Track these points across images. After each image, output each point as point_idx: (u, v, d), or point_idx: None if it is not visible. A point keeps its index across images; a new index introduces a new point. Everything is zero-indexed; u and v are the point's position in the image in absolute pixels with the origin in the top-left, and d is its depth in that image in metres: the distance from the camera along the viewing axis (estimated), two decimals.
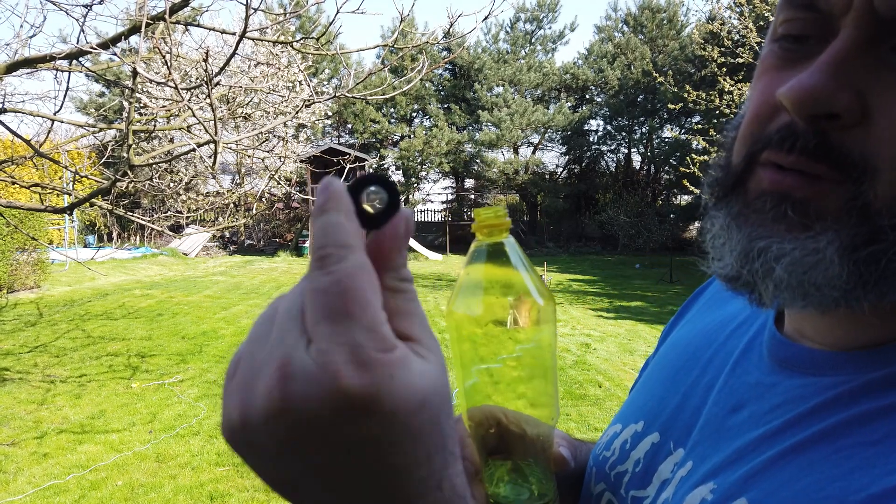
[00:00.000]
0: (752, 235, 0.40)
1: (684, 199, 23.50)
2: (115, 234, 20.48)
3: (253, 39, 3.82)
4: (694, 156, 10.65)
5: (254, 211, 20.22)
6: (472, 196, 27.35)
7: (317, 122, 19.08)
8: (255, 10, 2.88)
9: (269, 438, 0.29)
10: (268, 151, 7.30)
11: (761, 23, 11.72)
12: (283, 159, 7.74)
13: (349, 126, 25.51)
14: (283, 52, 6.02)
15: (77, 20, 3.37)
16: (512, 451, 0.49)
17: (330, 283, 0.28)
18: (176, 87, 2.57)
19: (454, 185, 27.50)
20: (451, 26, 3.70)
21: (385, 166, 26.19)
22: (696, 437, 0.51)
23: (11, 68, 3.48)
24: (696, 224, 20.49)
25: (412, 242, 19.82)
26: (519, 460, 0.49)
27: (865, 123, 0.36)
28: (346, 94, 3.73)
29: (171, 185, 8.15)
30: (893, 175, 0.36)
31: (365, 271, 0.29)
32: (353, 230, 0.30)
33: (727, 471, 0.44)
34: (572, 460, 0.54)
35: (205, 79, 2.65)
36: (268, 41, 4.03)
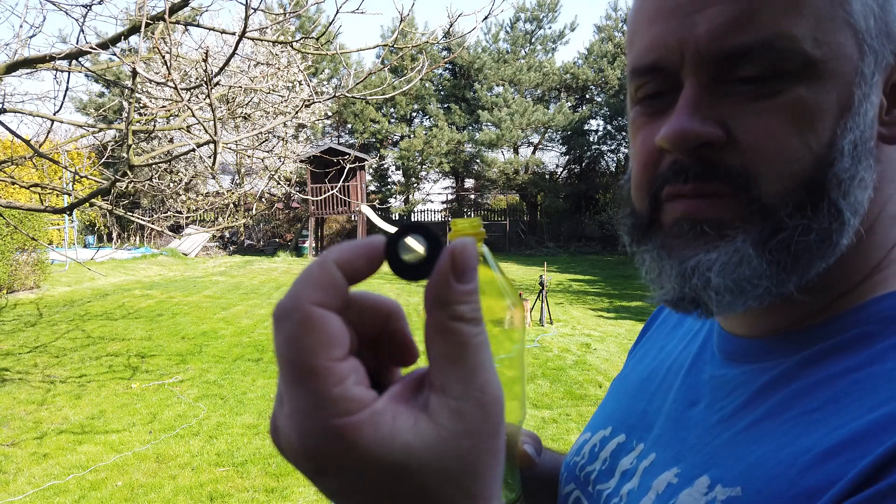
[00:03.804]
0: (682, 258, 0.46)
1: None
2: (114, 235, 20.48)
3: (253, 39, 3.81)
4: None
5: (253, 211, 20.21)
6: (472, 196, 27.34)
7: (317, 122, 19.08)
8: (255, 10, 2.87)
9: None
10: (268, 151, 7.30)
11: None
12: (282, 159, 7.73)
13: (349, 126, 25.50)
14: (282, 52, 6.02)
15: (77, 20, 3.37)
16: None
17: (277, 345, 0.27)
18: (175, 88, 2.57)
19: (454, 185, 27.49)
20: (451, 26, 3.69)
21: (385, 166, 26.19)
22: (657, 432, 0.56)
23: (11, 68, 3.48)
24: None
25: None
26: None
27: (734, 143, 0.43)
28: (346, 94, 3.73)
29: (171, 185, 8.15)
30: (771, 176, 0.43)
31: (310, 329, 0.27)
32: (313, 290, 0.27)
33: (689, 456, 0.49)
34: (536, 457, 0.58)
35: (204, 79, 2.65)
36: (268, 41, 4.03)
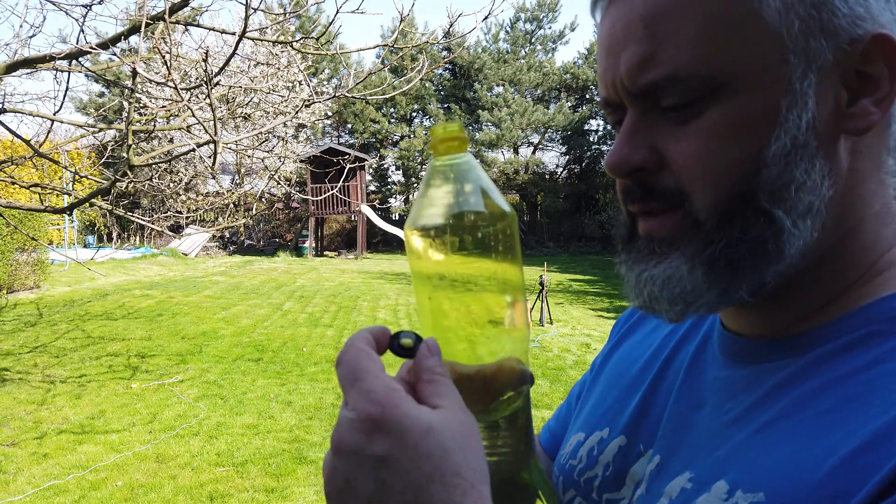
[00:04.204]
0: (637, 270, 0.50)
1: None
2: (114, 235, 20.48)
3: (253, 39, 3.81)
4: None
5: (253, 211, 20.22)
6: None
7: (317, 122, 19.08)
8: (255, 10, 2.87)
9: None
10: (267, 151, 7.30)
11: None
12: (282, 159, 7.74)
13: (349, 126, 25.51)
14: (282, 52, 6.02)
15: (77, 20, 3.37)
16: (486, 394, 0.48)
17: (340, 365, 0.43)
18: (176, 88, 2.57)
19: None
20: (451, 26, 3.70)
21: (385, 166, 26.18)
22: (664, 435, 0.55)
23: (11, 68, 3.48)
24: None
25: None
26: (507, 390, 0.48)
27: (667, 165, 0.47)
28: (346, 94, 3.73)
29: (171, 185, 8.15)
30: (701, 193, 0.46)
31: (362, 355, 0.42)
32: (360, 340, 0.44)
33: (700, 459, 0.49)
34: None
35: (204, 79, 2.65)
36: (268, 41, 4.03)
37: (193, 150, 3.57)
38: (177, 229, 19.18)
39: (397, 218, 25.34)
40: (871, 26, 0.43)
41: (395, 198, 26.29)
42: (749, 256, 0.45)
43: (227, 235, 22.14)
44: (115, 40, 3.38)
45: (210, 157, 3.24)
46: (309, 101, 4.30)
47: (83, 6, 3.40)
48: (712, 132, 0.45)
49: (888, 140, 0.47)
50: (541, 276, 8.85)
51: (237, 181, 21.11)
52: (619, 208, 0.55)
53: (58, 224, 16.31)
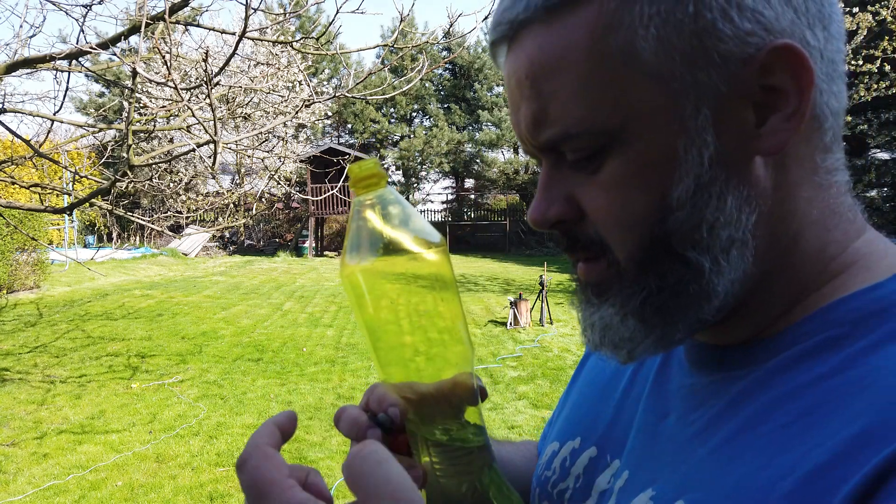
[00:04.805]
0: (582, 314, 0.51)
1: None
2: (114, 235, 20.48)
3: (253, 39, 3.81)
4: None
5: (254, 211, 20.22)
6: (473, 196, 27.35)
7: (317, 122, 19.08)
8: (255, 10, 2.87)
9: None
10: (268, 151, 7.30)
11: None
12: (282, 159, 7.74)
13: (349, 126, 25.51)
14: (282, 52, 6.02)
15: (77, 20, 3.37)
16: (439, 408, 0.49)
17: (242, 472, 0.40)
18: (176, 88, 2.57)
19: (454, 185, 27.49)
20: (451, 26, 3.70)
21: (385, 166, 26.17)
22: (631, 447, 0.54)
23: (11, 68, 3.48)
24: None
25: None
26: (449, 415, 0.50)
27: (585, 215, 0.47)
28: (346, 94, 3.73)
29: (171, 185, 8.15)
30: (618, 243, 0.46)
31: (266, 463, 0.40)
32: (264, 440, 0.43)
33: (664, 476, 0.47)
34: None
35: (204, 79, 2.65)
36: (268, 41, 4.03)
37: (193, 150, 3.57)
38: (177, 229, 19.18)
39: None
40: (768, 37, 0.41)
41: None
42: (674, 302, 0.44)
43: (227, 235, 22.15)
44: (115, 40, 3.38)
45: (210, 157, 3.24)
46: (309, 101, 4.30)
47: (83, 6, 3.40)
48: (614, 183, 0.44)
49: (820, 140, 0.45)
50: (541, 276, 8.85)
51: (237, 181, 21.12)
52: None
53: (58, 224, 16.31)
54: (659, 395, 0.55)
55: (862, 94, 10.23)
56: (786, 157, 0.44)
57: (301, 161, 18.21)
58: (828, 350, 0.42)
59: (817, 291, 0.45)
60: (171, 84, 2.61)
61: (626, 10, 0.41)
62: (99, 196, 3.54)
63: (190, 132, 4.61)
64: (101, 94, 23.67)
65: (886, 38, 10.06)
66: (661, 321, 0.45)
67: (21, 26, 3.64)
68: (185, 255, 19.24)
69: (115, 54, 3.73)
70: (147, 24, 2.94)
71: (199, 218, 19.48)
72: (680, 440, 0.49)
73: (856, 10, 10.32)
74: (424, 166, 24.62)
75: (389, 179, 0.49)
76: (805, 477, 0.36)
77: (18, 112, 3.94)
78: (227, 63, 2.78)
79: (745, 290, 0.45)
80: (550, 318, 8.99)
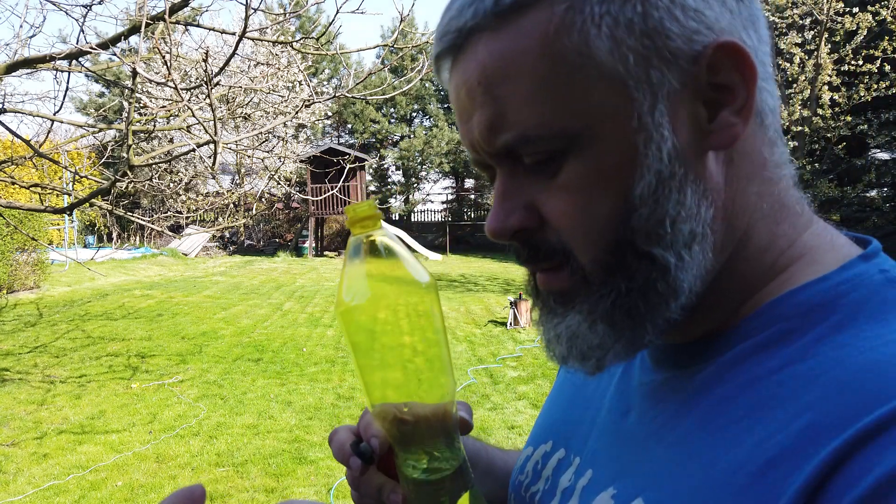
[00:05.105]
0: (545, 326, 0.50)
1: None
2: (114, 235, 20.48)
3: (253, 39, 3.81)
4: None
5: (254, 211, 20.23)
6: (473, 196, 27.35)
7: (317, 122, 19.08)
8: (255, 10, 2.87)
9: None
10: (268, 151, 7.30)
11: None
12: (282, 159, 7.74)
13: (349, 126, 25.51)
14: (282, 52, 6.02)
15: (77, 20, 3.37)
16: (417, 434, 0.52)
17: None
18: (176, 88, 2.57)
19: (454, 185, 27.49)
20: None
21: (385, 166, 26.18)
22: (593, 445, 0.55)
23: (11, 68, 3.48)
24: None
25: (412, 243, 19.81)
26: (427, 442, 0.53)
27: (545, 222, 0.46)
28: (346, 94, 3.73)
29: (171, 185, 8.15)
30: (581, 248, 0.45)
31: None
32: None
33: (625, 474, 0.48)
34: (470, 419, 0.58)
35: (204, 79, 2.65)
36: (268, 41, 4.03)
37: (193, 150, 3.57)
38: (177, 229, 19.18)
39: (397, 218, 25.34)
40: (712, 35, 0.42)
41: (395, 198, 26.28)
42: (643, 302, 0.44)
43: (227, 235, 22.14)
44: (115, 40, 3.38)
45: (210, 157, 3.24)
46: (309, 101, 4.30)
47: (83, 6, 3.40)
48: (575, 186, 0.43)
49: (765, 135, 0.46)
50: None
51: (237, 181, 21.12)
52: None
53: (58, 224, 16.31)
54: (622, 394, 0.55)
55: (862, 94, 10.24)
56: (735, 153, 0.45)
57: (301, 161, 18.20)
58: (777, 343, 0.43)
59: (767, 285, 0.46)
60: (171, 84, 2.61)
61: (577, 11, 0.41)
62: (99, 196, 3.54)
63: (190, 132, 4.61)
64: (101, 94, 23.67)
65: (886, 38, 10.06)
66: (630, 323, 0.45)
67: (21, 26, 3.64)
68: (185, 255, 19.24)
69: (115, 54, 3.74)
70: (147, 24, 2.94)
71: (199, 218, 19.48)
72: (640, 438, 0.49)
73: (856, 10, 10.32)
74: (424, 166, 24.62)
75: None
76: (757, 471, 0.37)
77: (18, 112, 3.94)
78: (227, 63, 2.78)
79: (705, 285, 0.45)
80: None
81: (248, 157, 6.28)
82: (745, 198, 0.46)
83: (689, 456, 0.42)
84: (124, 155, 3.14)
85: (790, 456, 0.36)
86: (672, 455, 0.44)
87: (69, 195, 5.32)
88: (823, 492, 0.33)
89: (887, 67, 10.01)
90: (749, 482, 0.37)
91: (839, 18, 10.22)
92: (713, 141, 0.44)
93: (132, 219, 4.33)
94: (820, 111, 10.66)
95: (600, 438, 0.55)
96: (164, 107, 3.87)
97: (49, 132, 4.03)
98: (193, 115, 2.91)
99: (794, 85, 10.98)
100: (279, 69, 5.73)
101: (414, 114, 26.02)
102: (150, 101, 4.82)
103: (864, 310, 0.41)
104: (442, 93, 25.31)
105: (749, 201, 0.46)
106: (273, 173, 7.39)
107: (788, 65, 10.88)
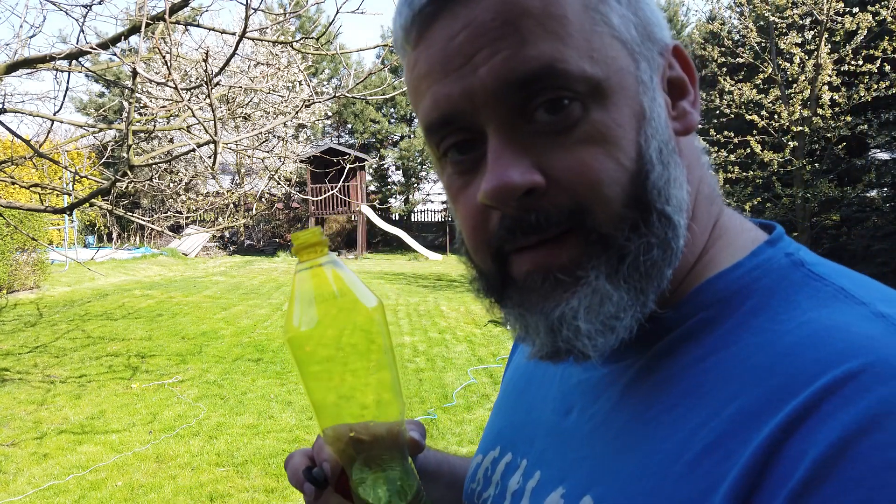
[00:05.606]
0: (545, 311, 0.44)
1: None
2: (114, 235, 20.47)
3: (253, 39, 3.81)
4: None
5: (254, 211, 20.23)
6: None
7: (317, 122, 19.08)
8: (255, 10, 2.87)
9: None
10: (268, 151, 7.30)
11: (761, 23, 11.72)
12: (282, 159, 7.74)
13: (349, 126, 25.51)
14: (283, 52, 6.02)
15: (77, 20, 3.37)
16: (369, 455, 0.54)
17: None
18: (176, 88, 2.57)
19: None
20: None
21: (385, 166, 26.18)
22: (540, 446, 0.55)
23: (11, 68, 3.48)
24: None
25: (412, 243, 19.82)
26: (379, 462, 0.54)
27: (555, 182, 0.42)
28: (346, 94, 3.73)
29: (171, 185, 8.16)
30: (599, 205, 0.42)
31: None
32: None
33: (572, 472, 0.48)
34: (422, 440, 0.59)
35: (205, 79, 2.65)
36: (268, 41, 4.03)
37: (193, 150, 3.57)
38: (177, 229, 19.18)
39: (397, 218, 25.33)
40: (668, 36, 0.48)
41: (395, 198, 26.28)
42: (660, 260, 0.43)
43: (227, 235, 22.15)
44: (115, 40, 3.38)
45: (210, 157, 3.24)
46: (309, 101, 4.30)
47: (83, 6, 3.40)
48: (596, 140, 0.42)
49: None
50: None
51: (237, 181, 21.13)
52: (467, 259, 0.50)
53: (58, 224, 16.31)
54: (564, 392, 0.56)
55: (862, 94, 10.24)
56: (681, 142, 0.48)
57: (301, 161, 18.20)
58: (702, 331, 0.44)
59: (693, 269, 0.48)
60: (171, 84, 2.61)
61: None
62: (99, 196, 3.54)
63: (190, 132, 4.61)
64: (101, 94, 23.67)
65: (886, 38, 10.05)
66: (645, 285, 0.43)
67: (21, 26, 3.64)
68: (185, 255, 19.24)
69: (115, 54, 3.74)
70: (147, 24, 2.94)
71: (199, 218, 19.48)
72: (583, 435, 0.49)
73: (856, 10, 10.31)
74: (424, 166, 24.61)
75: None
76: (694, 459, 0.38)
77: (18, 112, 3.95)
78: (227, 63, 2.78)
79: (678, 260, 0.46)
80: None
81: (248, 157, 6.28)
82: (693, 182, 0.48)
83: (629, 448, 0.43)
84: (124, 155, 3.14)
85: (725, 442, 0.37)
86: (613, 449, 0.45)
87: (69, 195, 5.32)
88: (765, 477, 0.34)
89: (887, 67, 10.00)
90: (687, 470, 0.38)
91: (839, 18, 10.22)
92: (677, 126, 0.47)
93: (132, 219, 4.33)
94: (820, 111, 10.66)
95: (546, 439, 0.55)
96: (164, 107, 3.87)
97: (49, 132, 4.03)
98: (193, 115, 2.91)
99: (794, 85, 10.98)
100: (279, 69, 5.73)
101: (414, 114, 26.00)
102: (150, 101, 4.82)
103: (776, 294, 0.43)
104: None
105: (694, 184, 0.48)
106: (273, 173, 7.39)
107: (788, 65, 10.88)
